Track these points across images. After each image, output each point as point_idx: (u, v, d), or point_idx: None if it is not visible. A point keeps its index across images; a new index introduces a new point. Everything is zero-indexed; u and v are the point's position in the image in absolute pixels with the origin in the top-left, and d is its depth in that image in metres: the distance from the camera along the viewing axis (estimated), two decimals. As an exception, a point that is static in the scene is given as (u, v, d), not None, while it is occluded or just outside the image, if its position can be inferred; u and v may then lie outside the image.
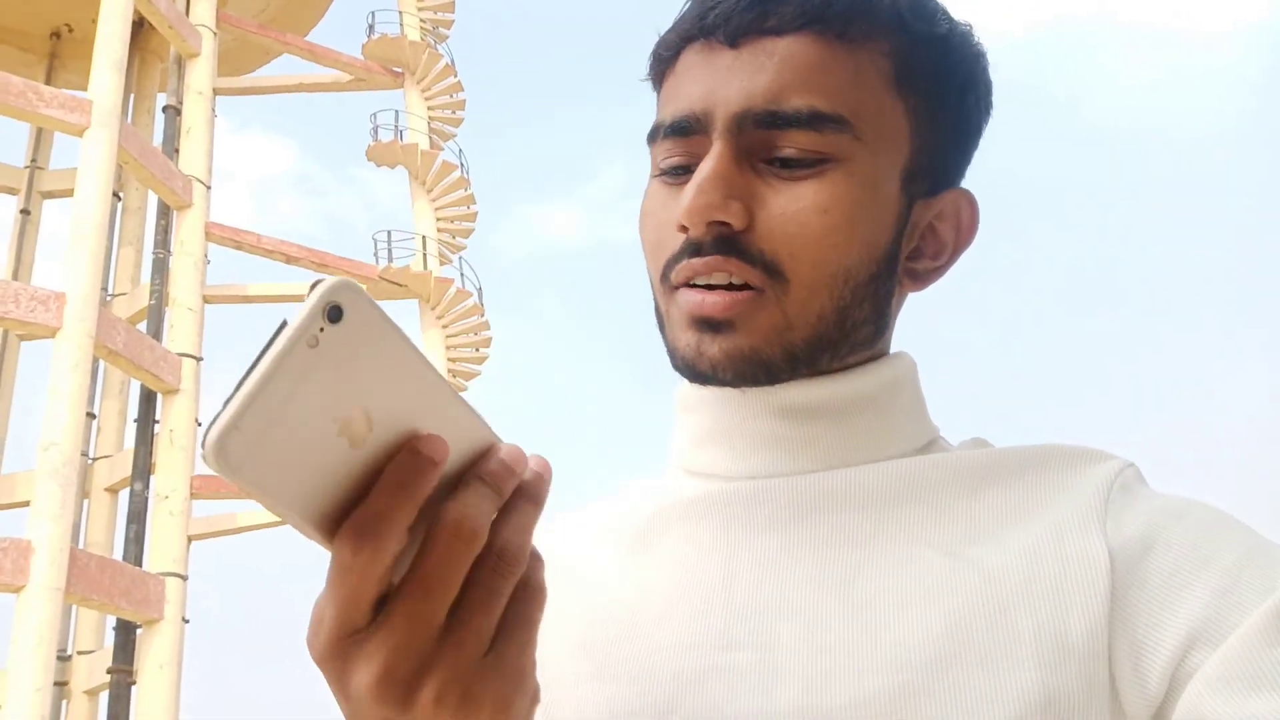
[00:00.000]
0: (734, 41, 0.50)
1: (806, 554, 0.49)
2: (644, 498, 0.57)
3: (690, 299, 0.50)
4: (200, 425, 11.29)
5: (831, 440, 0.51)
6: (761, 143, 0.50)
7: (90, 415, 11.30)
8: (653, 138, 0.54)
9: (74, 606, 10.39)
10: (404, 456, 0.33)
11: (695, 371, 0.51)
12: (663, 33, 0.55)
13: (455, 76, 16.11)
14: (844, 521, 0.49)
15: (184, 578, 10.45)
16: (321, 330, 0.31)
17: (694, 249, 0.50)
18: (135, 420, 11.46)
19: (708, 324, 0.50)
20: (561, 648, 0.52)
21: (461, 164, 15.77)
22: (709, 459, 0.55)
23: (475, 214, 16.15)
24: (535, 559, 0.37)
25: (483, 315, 15.33)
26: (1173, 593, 0.44)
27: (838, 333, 0.51)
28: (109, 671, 10.38)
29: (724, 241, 0.49)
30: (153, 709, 10.49)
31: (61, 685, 10.97)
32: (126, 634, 10.30)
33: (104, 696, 11.57)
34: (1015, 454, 0.51)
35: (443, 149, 15.74)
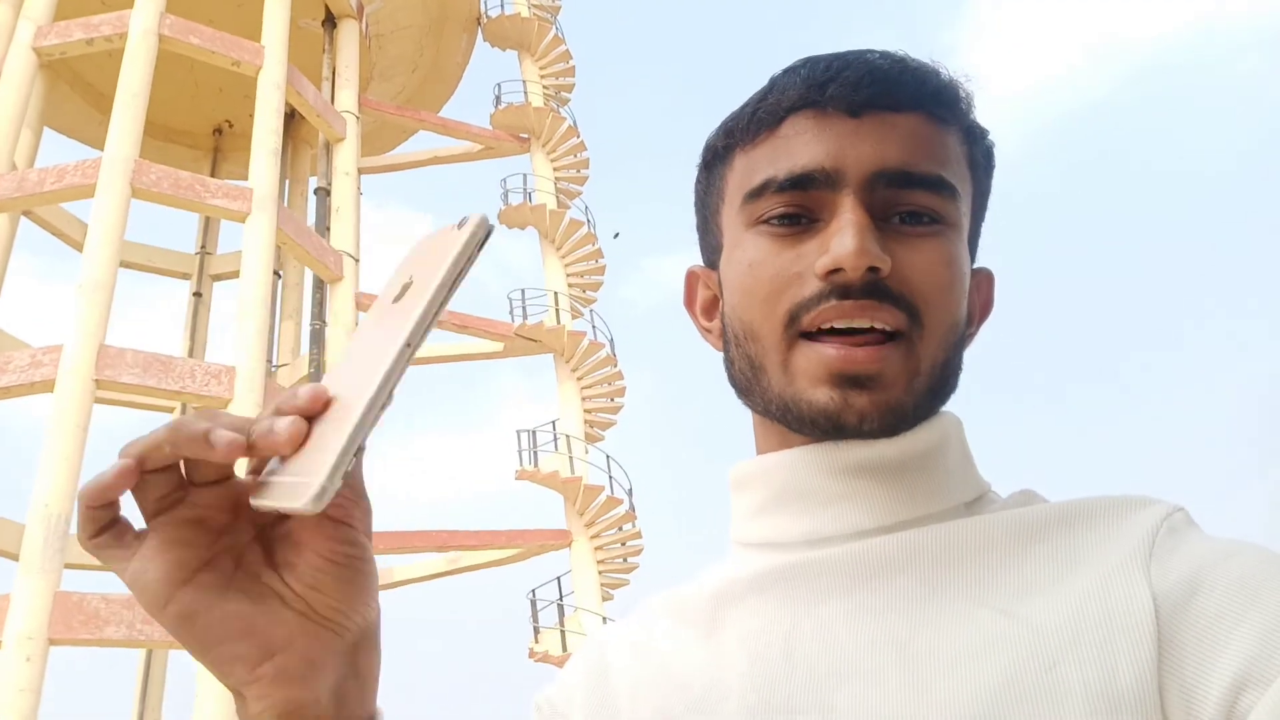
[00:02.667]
0: (856, 113, 0.54)
1: (865, 618, 0.50)
2: (710, 577, 0.59)
3: (832, 352, 0.51)
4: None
5: (886, 498, 0.53)
6: (886, 201, 0.53)
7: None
8: (760, 192, 0.55)
9: None
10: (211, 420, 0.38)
11: (837, 425, 0.51)
12: (748, 104, 0.58)
13: (578, 137, 16.72)
14: (900, 585, 0.51)
15: None
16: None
17: (842, 293, 0.51)
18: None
19: (854, 380, 0.51)
20: (639, 717, 0.55)
21: (588, 220, 16.28)
22: (767, 528, 0.56)
23: (603, 268, 16.57)
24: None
25: (615, 366, 15.63)
26: (1221, 633, 0.44)
27: (943, 383, 0.54)
28: None
29: (874, 286, 0.51)
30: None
31: None
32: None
33: None
34: (1064, 507, 0.52)
35: (569, 207, 16.28)
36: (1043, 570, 0.49)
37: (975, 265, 0.60)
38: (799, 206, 0.54)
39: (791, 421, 0.54)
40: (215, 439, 0.37)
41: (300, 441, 0.38)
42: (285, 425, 0.38)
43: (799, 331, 0.53)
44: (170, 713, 12.66)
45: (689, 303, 0.64)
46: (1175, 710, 0.43)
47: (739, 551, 0.59)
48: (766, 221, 0.55)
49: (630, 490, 15.44)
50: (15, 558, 9.36)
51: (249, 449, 0.38)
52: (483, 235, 0.40)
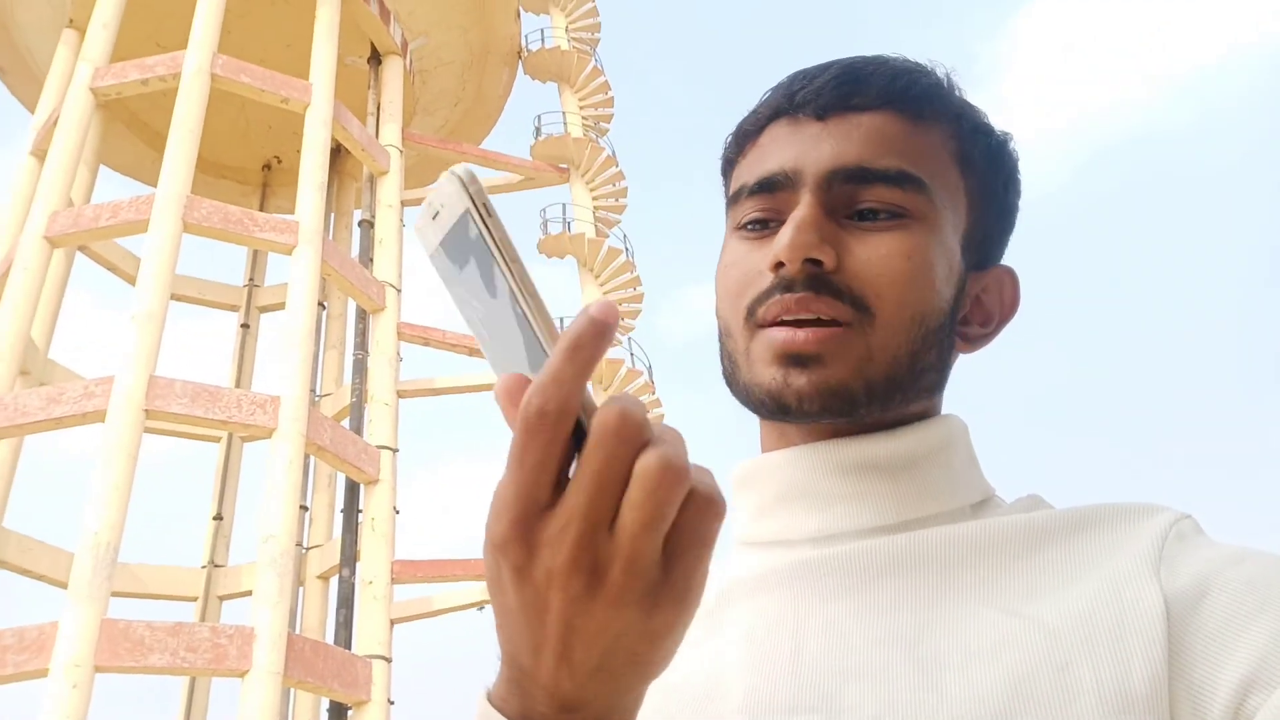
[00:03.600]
0: (822, 115, 0.56)
1: (873, 618, 0.50)
2: (711, 578, 0.55)
3: (778, 335, 0.53)
4: (397, 512, 12.02)
5: (889, 496, 0.53)
6: (847, 198, 0.54)
7: (303, 508, 12.25)
8: (736, 199, 0.58)
9: (291, 690, 11.12)
10: (580, 321, 0.33)
11: (780, 404, 0.52)
12: (737, 125, 0.61)
13: (617, 166, 16.87)
14: (908, 584, 0.50)
15: (388, 660, 11.01)
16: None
17: (786, 285, 0.53)
18: (341, 510, 12.35)
19: (795, 359, 0.52)
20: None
21: (626, 249, 16.36)
22: (771, 527, 0.56)
23: (641, 295, 16.64)
24: (703, 471, 0.34)
25: (654, 393, 15.62)
26: (1229, 636, 0.44)
27: (909, 374, 0.54)
28: (325, 751, 11.01)
29: (816, 279, 0.52)
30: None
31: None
32: (339, 715, 10.93)
33: (334, 581, 12.14)
34: (1073, 514, 0.52)
35: (608, 236, 16.38)
36: (1051, 573, 0.49)
37: (1000, 264, 0.61)
38: (768, 210, 0.56)
39: (755, 407, 0.55)
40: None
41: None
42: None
43: (756, 323, 0.54)
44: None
45: None
46: (1183, 710, 0.44)
47: (742, 551, 0.59)
48: (743, 226, 0.57)
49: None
50: (64, 585, 9.56)
51: None
52: (474, 185, 0.37)
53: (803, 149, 0.55)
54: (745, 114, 0.61)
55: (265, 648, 9.31)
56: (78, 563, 9.04)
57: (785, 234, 0.53)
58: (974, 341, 0.60)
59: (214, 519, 13.75)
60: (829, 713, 0.48)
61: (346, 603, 11.61)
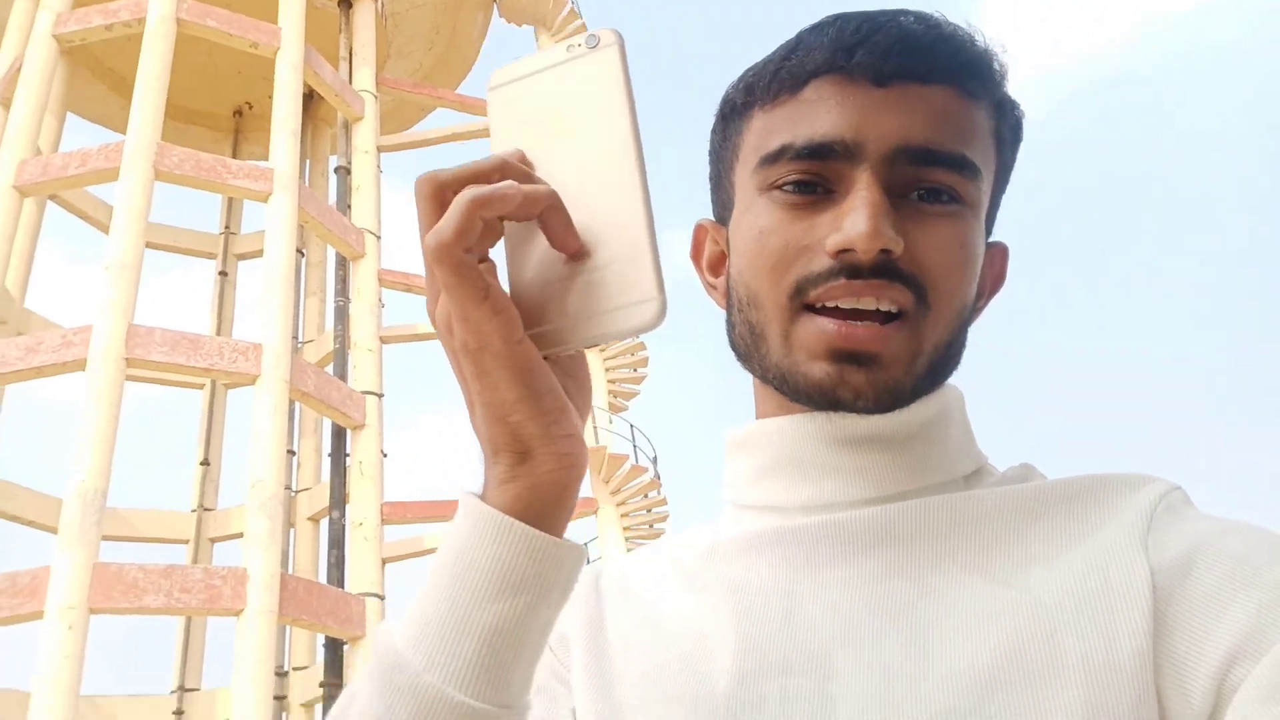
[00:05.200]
0: (883, 82, 0.51)
1: (865, 586, 0.51)
2: (702, 535, 0.60)
3: (832, 328, 0.50)
4: (385, 456, 12.15)
5: (886, 469, 0.53)
6: (906, 178, 0.51)
7: (290, 452, 12.35)
8: (777, 157, 0.53)
9: (287, 627, 11.33)
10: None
11: (832, 400, 0.51)
12: (771, 60, 0.55)
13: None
14: (902, 554, 0.51)
15: (381, 597, 11.21)
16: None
17: (852, 272, 0.50)
18: (329, 454, 12.46)
19: (853, 356, 0.50)
20: (631, 673, 0.55)
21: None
22: (765, 492, 0.56)
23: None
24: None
25: (637, 337, 15.69)
26: (1215, 609, 0.44)
27: (947, 363, 0.54)
28: (321, 685, 11.26)
29: (884, 266, 0.50)
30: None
31: (280, 699, 11.93)
32: (335, 651, 11.15)
33: (319, 708, 12.50)
34: (1064, 484, 0.52)
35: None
36: (1043, 544, 0.50)
37: (990, 240, 0.58)
38: (815, 175, 0.52)
39: (788, 392, 0.53)
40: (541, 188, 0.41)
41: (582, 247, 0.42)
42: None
43: (803, 304, 0.52)
44: (210, 678, 13.02)
45: (695, 256, 0.63)
46: (1167, 681, 0.44)
47: (734, 512, 0.59)
48: (780, 188, 0.53)
49: (655, 459, 15.58)
50: (53, 530, 9.67)
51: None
52: (625, 48, 0.43)
53: (863, 118, 0.51)
54: (777, 55, 0.55)
55: (259, 588, 9.46)
56: (66, 509, 9.11)
57: (862, 220, 0.49)
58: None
59: (201, 464, 13.84)
60: (820, 677, 0.49)
61: (338, 544, 11.78)
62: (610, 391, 15.58)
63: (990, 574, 0.49)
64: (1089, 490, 0.52)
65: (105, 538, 9.58)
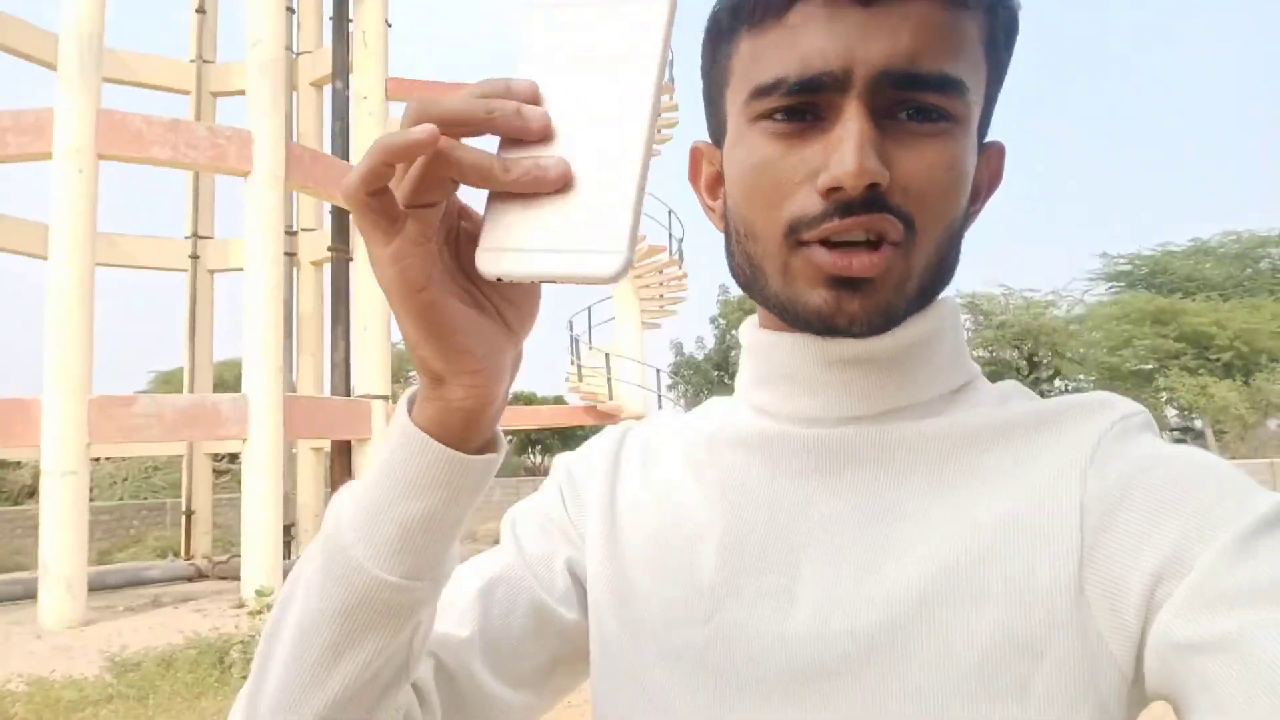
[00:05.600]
0: (866, 1, 0.50)
1: (837, 500, 0.55)
2: (711, 418, 0.65)
3: (829, 259, 0.51)
4: (390, 26, 11.54)
5: (873, 388, 0.56)
6: (892, 100, 0.51)
7: (290, 10, 11.68)
8: (768, 91, 0.52)
9: (294, 194, 11.60)
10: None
11: (829, 326, 0.53)
12: None
13: None
14: (872, 474, 0.55)
15: (386, 398, 11.35)
16: None
17: (844, 209, 0.50)
18: (330, 18, 11.82)
19: (849, 283, 0.52)
20: (634, 543, 0.62)
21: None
22: (762, 399, 0.60)
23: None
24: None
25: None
26: (1144, 533, 0.47)
27: (939, 281, 0.55)
28: (329, 249, 11.86)
29: (874, 200, 0.50)
30: (369, 284, 12.01)
31: (291, 255, 12.60)
32: (341, 219, 11.56)
33: (326, 269, 13.29)
34: (1035, 411, 0.55)
35: None
36: (999, 472, 0.53)
37: (987, 140, 0.58)
38: (803, 104, 0.52)
39: (788, 319, 0.55)
40: (529, 115, 0.42)
41: (566, 182, 0.41)
42: (554, 164, 0.41)
43: (798, 240, 0.53)
44: (222, 229, 13.61)
45: (693, 179, 0.64)
46: (1099, 605, 0.48)
47: (739, 404, 0.64)
48: (770, 117, 0.53)
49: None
50: (52, 67, 9.46)
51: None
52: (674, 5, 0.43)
53: (849, 42, 0.50)
54: None
55: (264, 151, 9.55)
56: (63, 50, 8.86)
57: (849, 157, 0.49)
58: (966, 220, 0.58)
59: (197, 12, 13.17)
60: (789, 577, 0.55)
61: (341, 115, 11.64)
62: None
63: (948, 499, 0.53)
64: (1055, 416, 0.55)
65: (106, 80, 9.41)
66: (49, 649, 8.91)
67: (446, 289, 0.45)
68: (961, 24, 0.52)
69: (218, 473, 19.89)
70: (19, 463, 21.87)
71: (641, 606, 0.59)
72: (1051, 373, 24.54)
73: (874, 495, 0.55)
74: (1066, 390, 22.00)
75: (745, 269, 0.57)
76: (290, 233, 12.28)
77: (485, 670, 0.60)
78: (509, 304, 0.48)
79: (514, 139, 0.43)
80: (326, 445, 12.59)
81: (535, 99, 0.43)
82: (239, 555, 11.69)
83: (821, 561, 0.54)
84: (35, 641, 9.42)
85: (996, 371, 21.99)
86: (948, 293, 0.58)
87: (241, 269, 10.09)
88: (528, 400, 29.77)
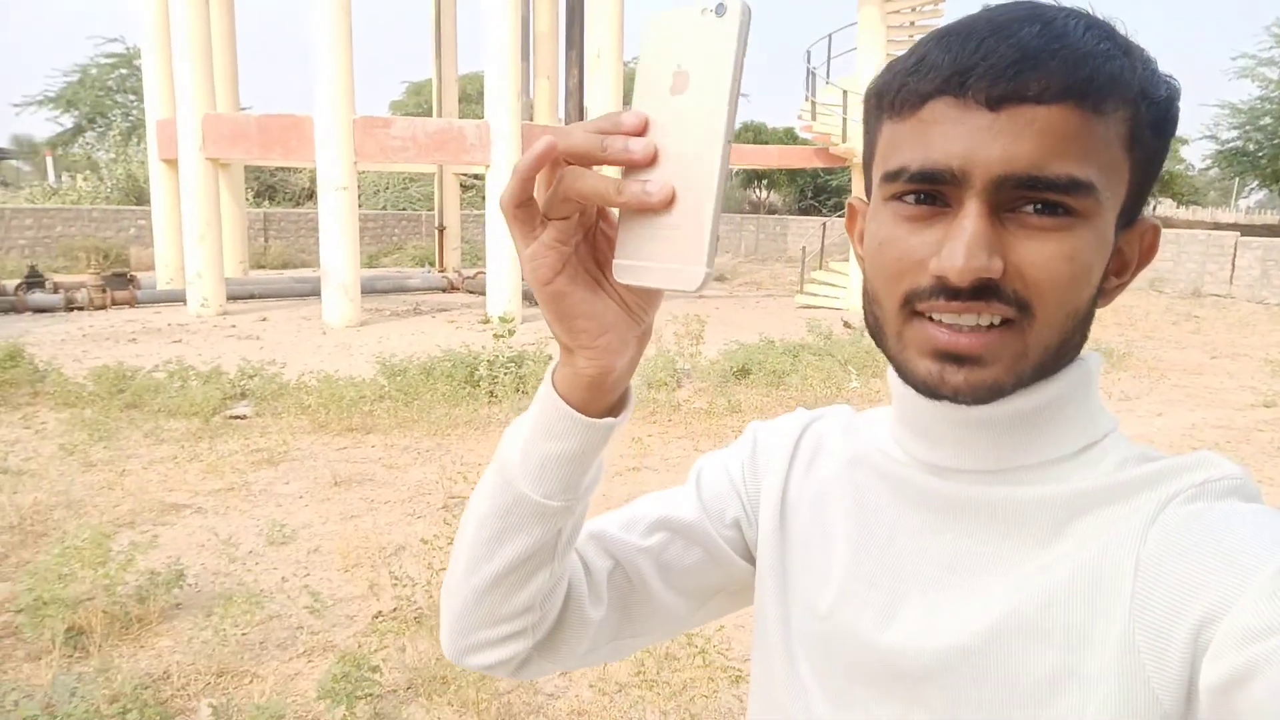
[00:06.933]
0: (995, 105, 0.52)
1: (941, 544, 0.63)
2: (865, 434, 0.72)
3: (938, 335, 0.56)
4: None
5: (987, 447, 0.61)
6: (1014, 197, 0.53)
7: None
8: (896, 176, 0.56)
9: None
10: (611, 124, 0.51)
11: (933, 394, 0.57)
12: (899, 72, 0.57)
13: None
14: (977, 528, 0.61)
15: None
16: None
17: (951, 294, 0.54)
18: None
19: (955, 357, 0.56)
20: (795, 540, 0.72)
21: None
22: (899, 434, 0.67)
23: None
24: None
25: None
26: (1185, 585, 0.51)
27: (1057, 361, 0.58)
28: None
29: (984, 288, 0.54)
30: (602, 5, 11.61)
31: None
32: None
33: None
34: (1138, 477, 0.57)
35: None
36: (1090, 535, 0.57)
37: (1142, 219, 0.60)
38: (928, 190, 0.55)
39: (904, 379, 0.60)
40: (635, 149, 0.50)
41: (669, 202, 0.49)
42: (658, 188, 0.49)
43: (913, 311, 0.57)
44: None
45: (849, 229, 0.69)
46: (1146, 652, 0.52)
47: (886, 426, 0.71)
48: (900, 199, 0.57)
49: None
50: None
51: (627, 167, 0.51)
52: (748, 23, 0.47)
53: (972, 144, 0.53)
54: (906, 65, 0.57)
55: None
56: None
57: (958, 253, 0.53)
58: (1110, 295, 0.61)
59: None
60: (893, 595, 0.64)
61: None
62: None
63: (1034, 555, 0.59)
64: (1150, 482, 0.57)
65: None
66: (332, 345, 10.25)
67: (576, 280, 0.56)
68: (1095, 127, 0.53)
69: (464, 188, 21.14)
70: (297, 169, 24.18)
71: (790, 590, 0.71)
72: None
73: (974, 545, 0.61)
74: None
75: (872, 326, 0.62)
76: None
77: (655, 577, 0.74)
78: (632, 293, 0.58)
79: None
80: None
81: (643, 129, 0.50)
82: (484, 272, 12.59)
83: (921, 590, 0.63)
84: (321, 337, 10.85)
85: None
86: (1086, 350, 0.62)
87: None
88: (756, 133, 28.74)
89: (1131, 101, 0.54)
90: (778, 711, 0.70)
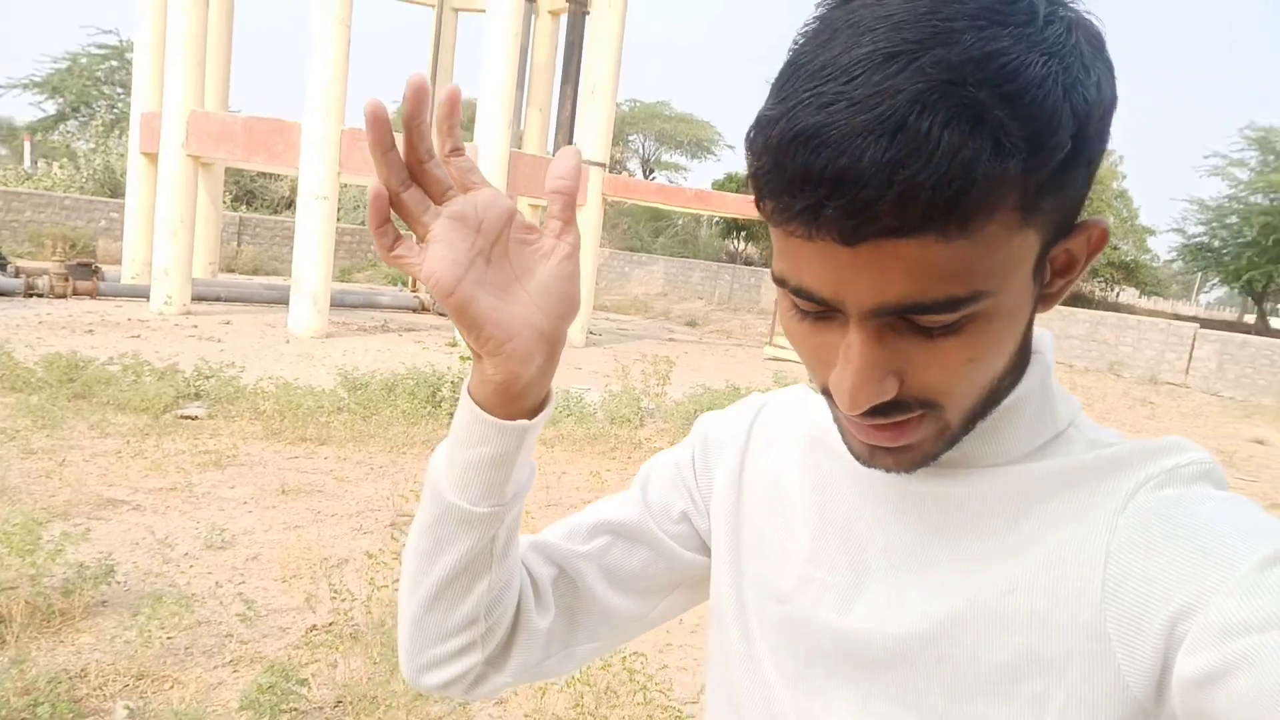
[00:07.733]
0: (851, 243, 0.47)
1: (904, 530, 0.62)
2: (809, 423, 0.71)
3: (853, 428, 0.57)
4: None
5: (957, 453, 0.59)
6: (897, 316, 0.50)
7: None
8: (783, 283, 0.53)
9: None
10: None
11: (870, 468, 0.59)
12: (754, 155, 0.49)
13: None
14: (939, 517, 0.61)
15: None
16: None
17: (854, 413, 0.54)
18: None
19: (880, 449, 0.57)
20: (751, 521, 0.71)
21: None
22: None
23: None
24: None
25: None
26: (1160, 576, 0.51)
27: (988, 408, 0.58)
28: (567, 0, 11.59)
29: (884, 406, 0.53)
30: (602, 43, 11.77)
31: (531, 2, 12.43)
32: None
33: (563, 19, 13.11)
34: (1102, 459, 0.57)
35: None
36: (1052, 521, 0.57)
37: (1089, 220, 0.55)
38: (815, 308, 0.53)
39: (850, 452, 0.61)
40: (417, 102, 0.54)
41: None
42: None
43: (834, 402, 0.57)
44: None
45: None
46: (1117, 641, 0.52)
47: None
48: (795, 305, 0.54)
49: None
50: None
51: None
52: None
53: (838, 279, 0.49)
54: (760, 162, 0.48)
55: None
56: None
57: (844, 383, 0.52)
58: (1056, 296, 0.57)
59: None
60: (854, 581, 0.63)
61: None
62: None
63: (995, 540, 0.58)
64: (1116, 464, 0.57)
65: None
66: (295, 354, 10.11)
67: (481, 287, 0.57)
68: (972, 246, 0.47)
69: (446, 211, 20.99)
70: (278, 176, 24.04)
71: (748, 573, 0.70)
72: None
73: (934, 532, 0.60)
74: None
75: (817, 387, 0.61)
76: (533, -21, 12.05)
77: (600, 581, 0.74)
78: (544, 295, 0.59)
79: None
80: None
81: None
82: (458, 295, 12.50)
83: (881, 575, 0.62)
84: (284, 345, 10.71)
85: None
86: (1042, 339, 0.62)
87: (483, 10, 10.04)
88: (740, 184, 29.13)
89: (1016, 185, 0.46)
90: (736, 694, 0.70)
